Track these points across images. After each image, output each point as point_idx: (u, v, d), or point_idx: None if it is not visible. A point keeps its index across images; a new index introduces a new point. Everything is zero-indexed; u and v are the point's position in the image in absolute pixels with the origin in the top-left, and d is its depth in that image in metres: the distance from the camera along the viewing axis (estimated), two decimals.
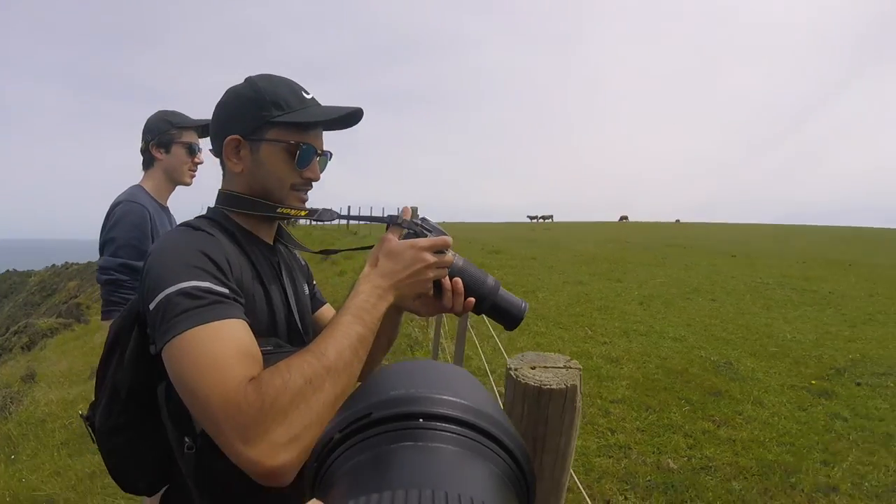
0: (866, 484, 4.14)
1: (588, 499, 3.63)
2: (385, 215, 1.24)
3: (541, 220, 52.29)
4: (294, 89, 1.24)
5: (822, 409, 5.47)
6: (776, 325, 8.75)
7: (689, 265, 15.30)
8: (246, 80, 1.25)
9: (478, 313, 1.21)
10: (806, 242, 25.69)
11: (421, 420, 0.40)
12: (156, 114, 2.56)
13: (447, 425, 0.40)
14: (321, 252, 1.60)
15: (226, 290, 1.03)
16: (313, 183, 1.29)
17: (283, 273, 1.34)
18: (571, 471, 1.24)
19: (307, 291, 1.48)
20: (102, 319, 2.43)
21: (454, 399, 0.42)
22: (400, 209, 1.23)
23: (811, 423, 5.15)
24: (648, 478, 4.05)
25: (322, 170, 1.32)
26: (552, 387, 1.07)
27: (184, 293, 0.97)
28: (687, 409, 5.27)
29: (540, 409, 1.06)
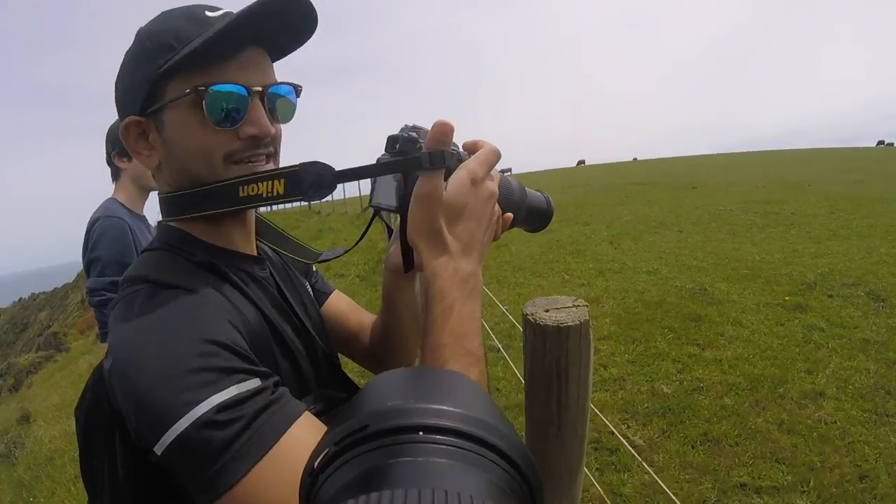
0: (850, 387, 4.35)
1: (591, 431, 3.82)
2: (404, 157, 0.77)
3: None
4: (192, 13, 0.82)
5: (799, 323, 5.69)
6: (744, 248, 8.98)
7: (651, 201, 15.53)
8: (137, 31, 0.85)
9: (511, 227, 0.94)
10: (763, 168, 26.10)
11: (421, 433, 0.37)
12: (115, 122, 2.28)
13: (448, 438, 0.37)
14: (322, 261, 1.14)
15: (259, 383, 0.71)
16: (268, 140, 0.86)
17: (285, 290, 1.01)
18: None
19: (310, 291, 1.17)
20: (102, 342, 2.38)
21: (454, 409, 0.40)
22: (388, 143, 0.81)
23: (790, 336, 5.36)
24: (646, 405, 4.22)
25: (283, 116, 0.90)
26: (569, 324, 1.13)
27: (208, 423, 0.65)
28: (671, 336, 5.43)
29: (560, 345, 1.12)
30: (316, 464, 0.39)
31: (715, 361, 4.85)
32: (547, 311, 1.22)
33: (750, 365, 4.76)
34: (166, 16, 0.83)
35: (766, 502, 3.13)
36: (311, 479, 0.39)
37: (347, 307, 1.27)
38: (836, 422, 3.92)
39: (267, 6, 0.77)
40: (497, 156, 0.81)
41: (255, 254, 0.99)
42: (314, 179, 0.77)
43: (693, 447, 3.66)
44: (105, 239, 2.28)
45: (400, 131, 0.81)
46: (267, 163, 0.86)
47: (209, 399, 0.65)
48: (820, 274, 7.31)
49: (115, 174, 2.51)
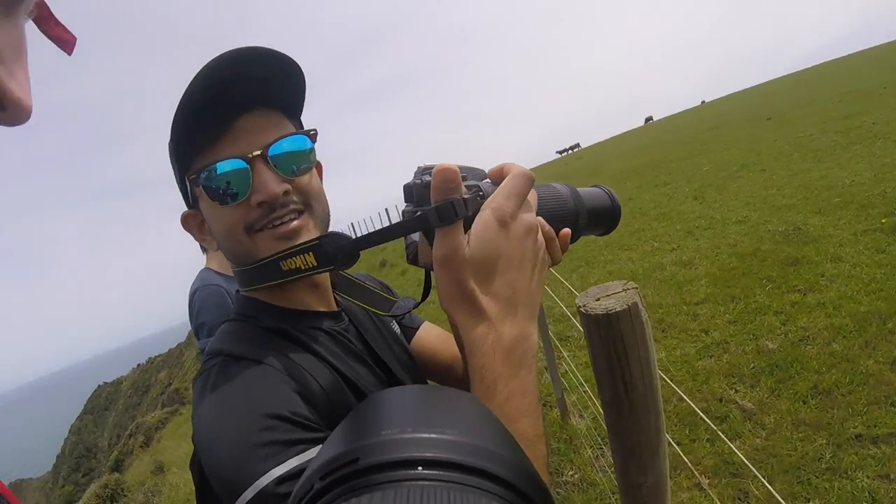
0: None
1: (700, 401, 3.81)
2: (415, 215, 0.68)
3: (569, 152, 51.78)
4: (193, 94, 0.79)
5: None
6: (832, 174, 8.59)
7: (728, 143, 15.05)
8: None
9: (576, 239, 0.86)
10: (836, 80, 24.68)
11: (420, 468, 0.34)
12: None
13: (448, 473, 0.34)
14: (393, 316, 1.13)
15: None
16: (285, 199, 0.86)
17: (368, 338, 1.02)
18: (664, 376, 1.42)
19: (397, 329, 1.18)
20: None
21: (460, 440, 0.36)
22: (407, 192, 0.75)
23: (893, 262, 5.10)
24: (752, 365, 4.13)
25: (298, 167, 0.88)
26: (617, 309, 1.15)
27: (270, 496, 0.67)
28: (770, 287, 5.27)
29: (613, 331, 1.15)
30: (302, 498, 0.37)
31: (819, 306, 4.68)
32: (598, 299, 1.32)
33: (855, 303, 4.56)
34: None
35: (883, 452, 3.00)
36: None
37: (438, 339, 1.25)
38: None
39: (212, 76, 0.77)
40: (528, 180, 0.68)
41: (331, 308, 1.01)
42: (334, 251, 0.77)
43: (804, 402, 3.58)
44: (207, 305, 2.49)
45: (414, 176, 0.75)
46: (295, 219, 0.87)
47: (270, 472, 0.67)
48: None
49: (203, 247, 2.71)
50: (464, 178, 0.70)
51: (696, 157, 14.68)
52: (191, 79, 0.76)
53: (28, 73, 0.37)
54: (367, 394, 0.89)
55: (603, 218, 0.92)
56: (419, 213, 0.66)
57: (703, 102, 57.35)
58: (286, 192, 0.85)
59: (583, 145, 55.02)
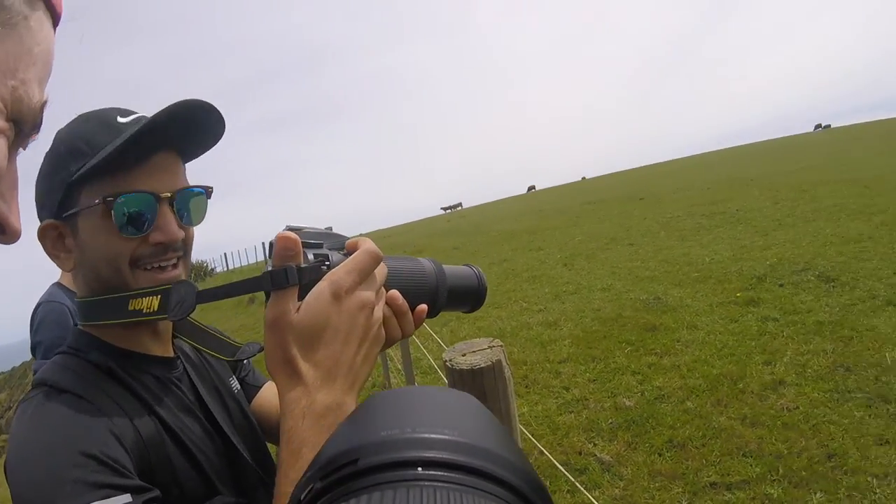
0: (809, 371, 4.47)
1: (560, 454, 3.84)
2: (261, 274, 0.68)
3: (450, 210, 53.03)
4: (104, 118, 0.85)
5: (753, 316, 5.82)
6: (693, 252, 9.17)
7: (602, 218, 15.82)
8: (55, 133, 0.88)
9: (435, 315, 0.85)
10: (706, 170, 26.78)
11: (420, 469, 0.33)
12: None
13: (451, 474, 0.33)
14: (237, 360, 1.08)
15: (129, 498, 0.70)
16: (178, 244, 0.88)
17: (201, 389, 0.98)
18: (525, 430, 1.39)
19: (237, 387, 1.12)
20: None
21: (460, 440, 0.35)
22: (269, 249, 0.70)
23: (745, 331, 5.48)
24: (610, 420, 4.23)
25: (194, 219, 0.92)
26: (482, 366, 1.20)
27: None
28: (629, 349, 5.49)
29: (476, 386, 1.19)
30: (302, 497, 0.36)
31: (674, 368, 4.93)
32: (464, 355, 1.29)
33: (708, 366, 4.84)
34: (81, 119, 0.87)
35: (737, 497, 3.16)
36: None
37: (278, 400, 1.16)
38: (798, 407, 4.01)
39: (176, 114, 0.80)
40: (372, 257, 0.68)
41: (167, 355, 0.98)
42: (179, 298, 0.77)
43: (660, 455, 3.70)
44: (46, 323, 2.36)
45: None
46: (176, 267, 0.89)
47: None
48: (769, 265, 7.51)
49: None
50: (319, 245, 0.72)
51: (571, 227, 15.32)
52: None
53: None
54: (190, 447, 0.87)
55: (467, 297, 0.92)
56: (253, 277, 0.69)
57: (584, 178, 60.73)
58: (180, 239, 0.88)
59: (465, 205, 56.55)
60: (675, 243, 10.24)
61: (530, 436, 1.62)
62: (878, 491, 3.06)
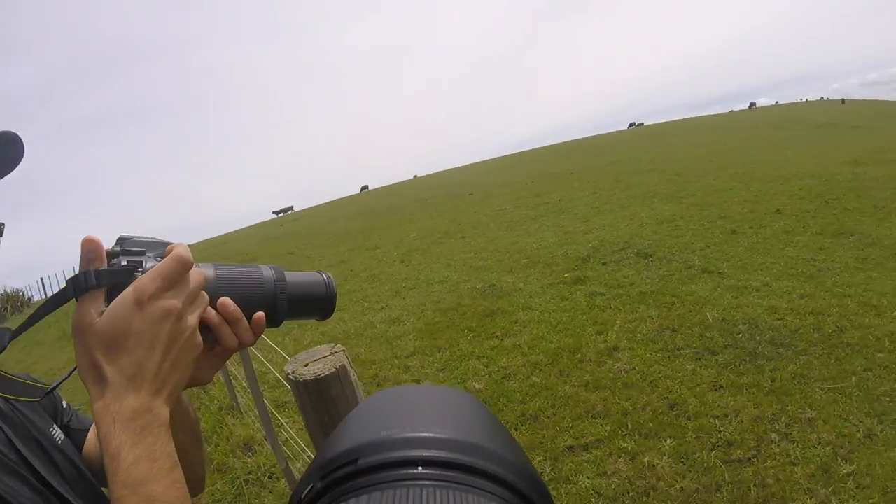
0: (638, 335, 4.88)
1: None
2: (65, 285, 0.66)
3: (282, 214, 51.75)
4: None
5: (581, 293, 6.22)
6: (522, 240, 9.60)
7: (434, 214, 16.12)
8: None
9: (277, 324, 0.82)
10: (531, 166, 27.93)
11: (420, 468, 0.34)
12: None
13: (450, 473, 0.34)
14: (51, 391, 0.85)
15: None
16: None
17: (21, 447, 0.88)
18: None
19: (61, 437, 1.00)
20: None
21: (458, 438, 0.36)
22: (121, 247, 0.69)
23: (576, 307, 5.84)
24: None
25: None
26: (326, 374, 1.17)
27: None
28: (472, 335, 5.64)
29: (323, 396, 1.17)
30: (303, 496, 0.36)
31: (515, 347, 5.13)
32: (306, 364, 1.24)
33: (546, 342, 5.10)
34: None
35: (595, 455, 3.35)
36: None
37: None
38: (634, 368, 4.34)
39: None
40: (180, 263, 0.66)
41: None
42: None
43: (516, 429, 3.84)
44: None
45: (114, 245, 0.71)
46: None
47: None
48: (592, 248, 8.04)
49: None
50: (141, 253, 0.69)
51: (405, 224, 15.50)
52: None
53: None
54: None
55: (314, 304, 0.87)
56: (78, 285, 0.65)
57: (415, 176, 61.40)
58: None
59: (297, 208, 55.29)
60: (504, 233, 10.67)
61: None
62: (721, 430, 3.39)
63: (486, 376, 4.72)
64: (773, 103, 77.04)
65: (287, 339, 7.31)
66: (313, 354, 1.25)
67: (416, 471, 0.34)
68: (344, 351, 1.26)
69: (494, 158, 56.56)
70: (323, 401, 1.15)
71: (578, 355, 4.71)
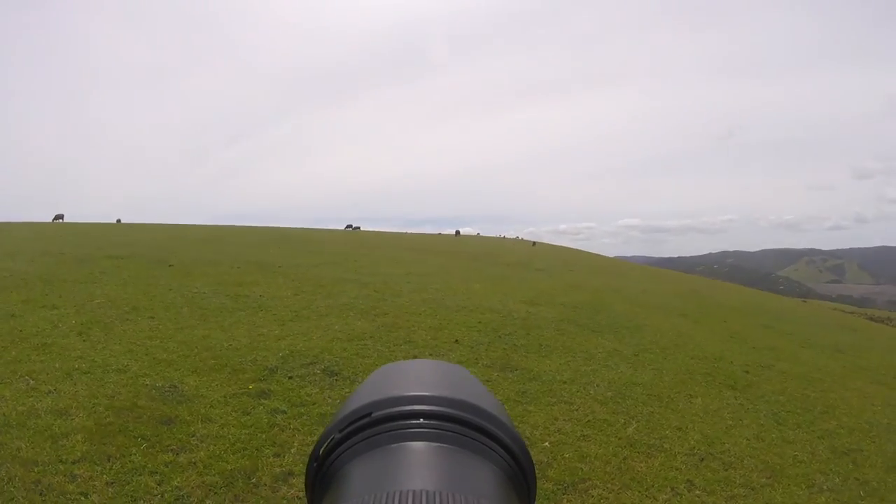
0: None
1: None
2: None
3: None
4: None
5: (264, 409, 6.30)
6: (213, 335, 9.29)
7: (127, 280, 14.65)
8: None
9: None
10: (240, 247, 26.49)
11: (422, 420, 0.40)
12: None
13: (448, 424, 0.40)
14: None
15: None
16: None
17: None
18: None
19: None
20: None
21: (454, 397, 0.42)
22: None
23: (256, 424, 5.89)
24: None
25: None
26: None
27: None
28: (145, 445, 5.30)
29: None
30: (321, 450, 0.42)
31: (191, 465, 4.96)
32: None
33: (223, 461, 5.03)
34: None
35: None
36: (318, 464, 0.42)
37: None
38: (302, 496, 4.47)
39: None
40: None
41: None
42: None
43: None
44: None
45: None
46: None
47: None
48: (282, 357, 8.16)
49: None
50: None
51: (93, 284, 13.82)
52: None
53: None
54: None
55: None
56: None
57: (118, 221, 53.97)
58: None
59: None
60: (196, 322, 10.19)
61: None
62: None
63: (159, 496, 4.54)
64: (476, 234, 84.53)
65: None
66: None
67: (418, 422, 0.40)
68: None
69: (206, 226, 53.43)
70: None
71: (254, 479, 4.79)
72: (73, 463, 5.04)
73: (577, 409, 7.47)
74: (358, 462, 0.39)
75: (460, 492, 0.37)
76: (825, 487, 6.16)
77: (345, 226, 65.90)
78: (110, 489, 4.69)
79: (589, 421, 7.14)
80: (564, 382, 8.48)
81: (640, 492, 5.55)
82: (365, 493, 0.37)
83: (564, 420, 6.91)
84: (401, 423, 0.40)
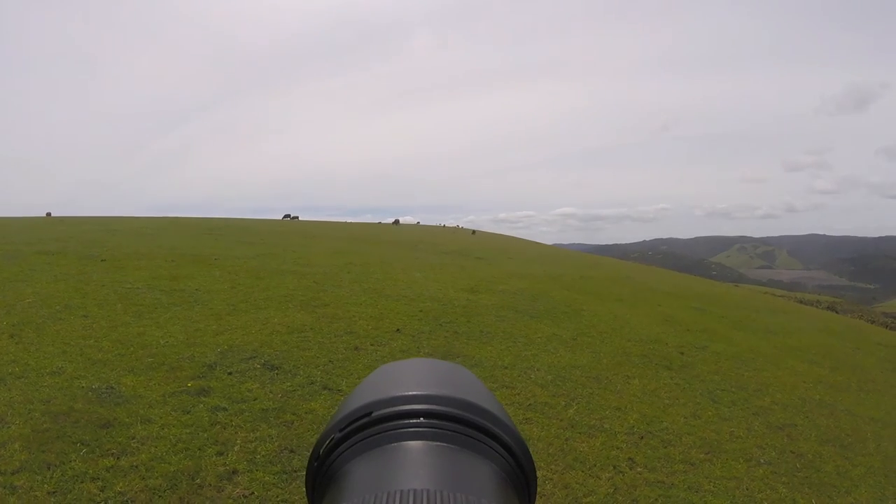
0: (258, 457, 5.07)
1: None
2: None
3: None
4: None
5: (204, 407, 6.17)
6: (149, 332, 8.99)
7: (59, 276, 13.89)
8: None
9: None
10: (176, 239, 25.03)
11: (422, 419, 0.40)
12: None
13: (448, 423, 0.40)
14: None
15: None
16: None
17: None
18: None
19: None
20: None
21: (455, 396, 0.42)
22: None
23: (197, 422, 5.77)
24: None
25: None
26: None
27: None
28: (85, 451, 5.12)
29: None
30: (322, 449, 0.43)
31: (133, 468, 4.82)
32: None
33: (165, 463, 4.91)
34: None
35: None
36: (318, 463, 0.42)
37: None
38: (253, 493, 4.50)
39: None
40: None
41: None
42: None
43: None
44: None
45: None
46: None
47: None
48: (220, 352, 7.97)
49: None
50: None
51: (22, 283, 13.06)
52: None
53: None
54: None
55: None
56: None
57: (48, 214, 52.11)
58: None
59: None
60: (131, 319, 9.86)
61: None
62: None
63: (103, 503, 4.45)
64: (416, 223, 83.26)
65: None
66: None
67: (418, 421, 0.40)
68: None
69: (140, 217, 51.45)
70: None
71: (198, 480, 4.71)
72: (13, 474, 4.84)
73: (518, 394, 7.70)
74: (358, 461, 0.39)
75: (461, 491, 0.37)
76: (762, 461, 6.57)
77: (283, 216, 64.75)
78: (52, 498, 4.54)
79: (530, 404, 7.37)
80: (506, 367, 8.71)
81: (583, 471, 5.77)
82: (366, 493, 0.37)
83: (507, 404, 7.01)
84: (401, 422, 0.41)
